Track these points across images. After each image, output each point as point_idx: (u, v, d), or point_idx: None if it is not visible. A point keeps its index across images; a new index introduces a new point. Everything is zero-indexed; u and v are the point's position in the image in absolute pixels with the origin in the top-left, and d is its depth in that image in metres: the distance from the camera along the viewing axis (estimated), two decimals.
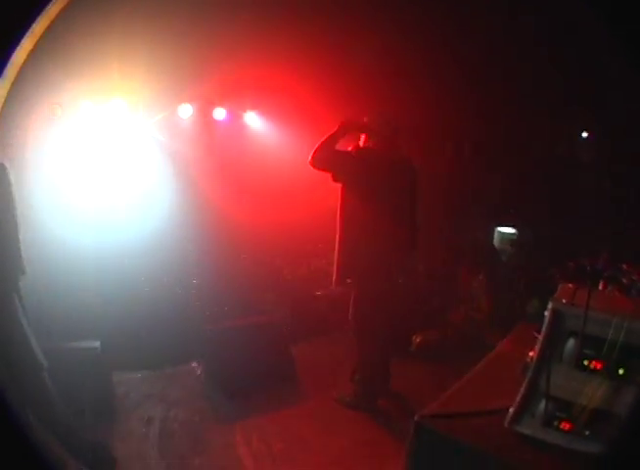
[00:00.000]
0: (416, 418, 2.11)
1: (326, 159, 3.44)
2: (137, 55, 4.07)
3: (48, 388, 2.14)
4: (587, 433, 1.80)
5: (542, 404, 1.90)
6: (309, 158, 3.45)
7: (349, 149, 3.59)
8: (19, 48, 1.39)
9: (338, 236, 3.60)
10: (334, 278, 3.65)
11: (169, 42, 4.16)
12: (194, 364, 4.22)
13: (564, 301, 1.95)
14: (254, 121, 5.80)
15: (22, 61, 1.57)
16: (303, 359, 4.33)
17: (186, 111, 5.16)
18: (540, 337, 1.94)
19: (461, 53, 4.79)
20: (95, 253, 4.06)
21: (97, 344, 3.44)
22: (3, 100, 1.63)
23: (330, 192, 4.03)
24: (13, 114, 3.38)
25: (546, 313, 1.94)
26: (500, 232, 6.05)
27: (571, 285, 2.07)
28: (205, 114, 5.40)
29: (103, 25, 3.80)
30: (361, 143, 3.62)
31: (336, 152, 3.48)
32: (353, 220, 3.52)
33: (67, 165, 4.16)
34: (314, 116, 5.18)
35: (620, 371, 1.78)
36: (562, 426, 1.85)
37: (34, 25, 1.42)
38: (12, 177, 2.05)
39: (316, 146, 3.44)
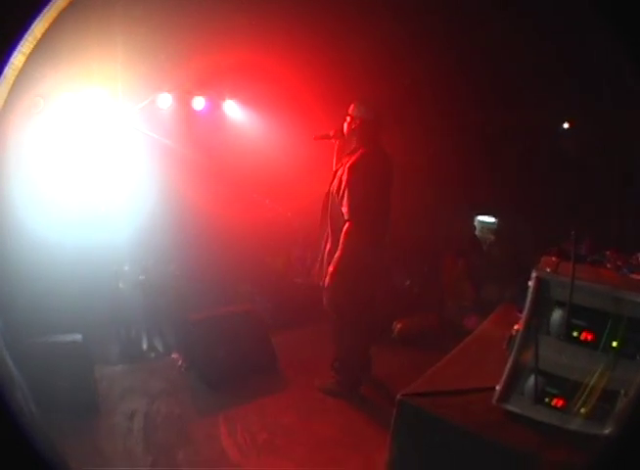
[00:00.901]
0: (399, 396, 2.09)
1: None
2: (115, 41, 3.98)
3: None
4: (582, 411, 1.70)
5: (531, 380, 1.81)
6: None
7: (330, 137, 3.64)
8: (17, 49, 1.36)
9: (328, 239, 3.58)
10: (320, 278, 3.62)
11: (148, 27, 4.08)
12: (174, 356, 4.19)
13: (548, 270, 1.85)
14: (234, 111, 5.74)
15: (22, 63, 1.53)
16: (285, 348, 4.34)
17: (165, 100, 5.07)
18: (525, 309, 1.84)
19: (454, 41, 4.76)
20: (76, 244, 3.98)
21: (79, 337, 3.39)
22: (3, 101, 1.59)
23: (310, 185, 4.07)
24: None
25: (530, 283, 1.84)
26: (480, 221, 6.15)
27: (554, 258, 1.99)
28: (183, 103, 5.32)
29: (82, 12, 3.69)
30: (345, 128, 3.59)
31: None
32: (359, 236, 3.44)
33: (49, 160, 4.04)
34: (297, 102, 5.16)
35: (614, 343, 1.67)
36: (554, 403, 1.76)
37: (34, 27, 1.39)
38: None
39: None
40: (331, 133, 3.72)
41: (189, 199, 5.13)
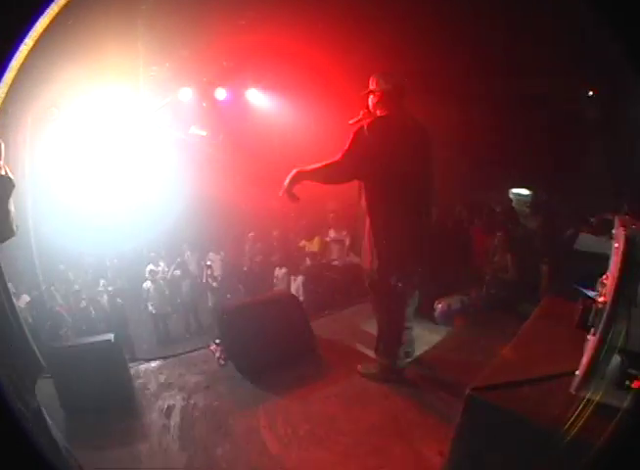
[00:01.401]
0: (468, 391, 1.91)
1: (340, 172, 3.23)
2: (136, 37, 3.91)
3: None
4: None
5: (615, 362, 1.55)
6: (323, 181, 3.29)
7: (361, 119, 3.37)
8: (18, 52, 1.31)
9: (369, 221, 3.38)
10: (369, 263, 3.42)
11: (168, 21, 3.99)
12: (212, 347, 4.10)
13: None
14: (258, 98, 5.60)
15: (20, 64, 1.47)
16: (325, 333, 4.19)
17: (186, 94, 5.00)
18: (613, 274, 1.55)
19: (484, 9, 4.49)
20: (110, 245, 3.96)
21: (110, 337, 3.37)
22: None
23: None
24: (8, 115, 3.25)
25: (615, 245, 1.56)
26: (515, 193, 5.84)
27: (627, 216, 1.70)
28: (206, 95, 5.23)
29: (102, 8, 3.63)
30: (370, 105, 3.40)
31: (347, 158, 3.21)
32: (384, 204, 3.29)
33: (72, 164, 4.04)
34: (324, 84, 4.97)
35: None
36: (634, 385, 1.51)
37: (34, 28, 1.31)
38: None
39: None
40: (361, 114, 3.51)
41: (219, 191, 5.06)
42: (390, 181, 3.23)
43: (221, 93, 5.34)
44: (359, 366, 3.68)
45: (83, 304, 4.81)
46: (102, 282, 5.24)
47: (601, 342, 1.57)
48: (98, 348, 3.26)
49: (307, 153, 5.08)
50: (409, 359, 3.61)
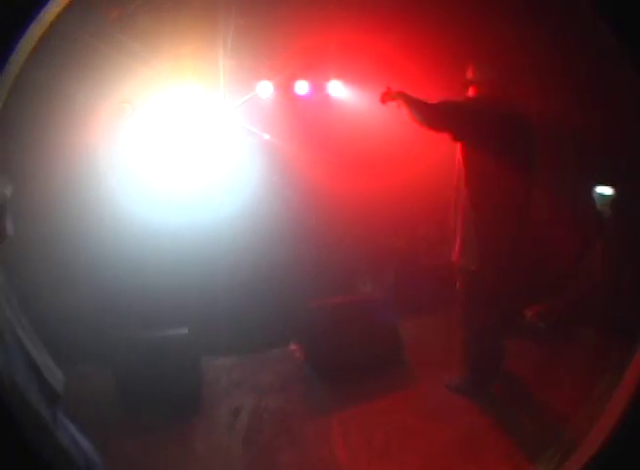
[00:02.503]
0: None
1: (443, 114, 3.01)
2: (217, 33, 3.92)
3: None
4: None
5: None
6: (421, 118, 3.03)
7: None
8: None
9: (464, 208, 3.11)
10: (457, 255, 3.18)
11: (249, 17, 3.97)
12: (292, 347, 3.98)
13: None
14: (341, 92, 5.39)
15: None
16: (411, 339, 3.93)
17: (265, 89, 4.92)
18: None
19: None
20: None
21: (185, 330, 3.34)
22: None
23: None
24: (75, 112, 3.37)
25: None
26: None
27: None
28: (286, 90, 5.14)
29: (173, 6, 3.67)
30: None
31: (451, 104, 3.02)
32: (485, 186, 3.01)
33: (146, 164, 4.03)
34: (408, 81, 4.65)
35: None
36: None
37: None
38: None
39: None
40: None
41: (300, 186, 4.93)
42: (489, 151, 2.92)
43: (302, 86, 5.13)
44: (445, 377, 3.40)
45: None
46: None
47: None
48: (171, 341, 3.25)
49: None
50: (498, 372, 3.28)
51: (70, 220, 3.39)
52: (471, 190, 3.05)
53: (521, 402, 3.05)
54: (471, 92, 3.10)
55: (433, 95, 3.68)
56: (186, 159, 4.17)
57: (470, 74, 3.09)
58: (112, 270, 3.41)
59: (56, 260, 3.31)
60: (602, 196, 4.97)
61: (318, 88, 5.20)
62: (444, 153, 3.40)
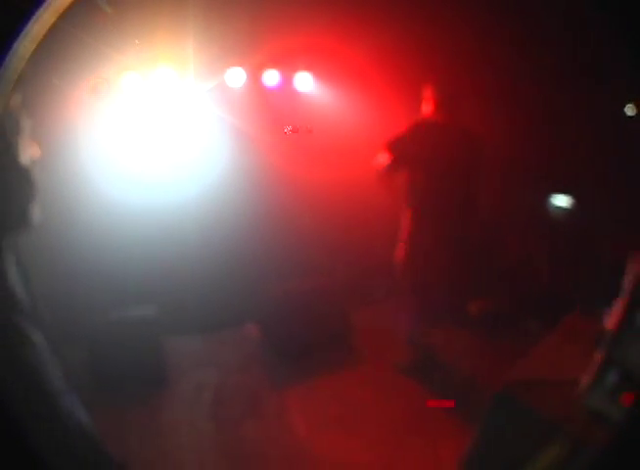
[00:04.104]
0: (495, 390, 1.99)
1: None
2: (187, 19, 3.94)
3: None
4: None
5: (614, 378, 1.67)
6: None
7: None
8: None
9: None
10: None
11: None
12: (249, 326, 4.12)
13: None
14: (308, 84, 5.47)
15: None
16: (363, 323, 4.14)
17: (237, 75, 4.92)
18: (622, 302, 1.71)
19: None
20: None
21: (152, 310, 3.45)
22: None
23: None
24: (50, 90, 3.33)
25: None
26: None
27: None
28: (255, 79, 5.19)
29: None
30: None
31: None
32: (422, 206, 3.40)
33: (118, 142, 4.04)
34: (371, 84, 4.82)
35: None
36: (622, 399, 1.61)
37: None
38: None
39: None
40: None
41: (266, 172, 5.03)
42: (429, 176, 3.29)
43: (272, 76, 5.18)
44: (394, 359, 3.66)
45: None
46: None
47: (603, 358, 1.72)
48: (136, 322, 3.35)
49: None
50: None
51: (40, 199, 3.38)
52: (413, 192, 3.41)
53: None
54: (424, 107, 3.39)
55: (392, 99, 3.94)
56: (155, 140, 4.22)
57: (427, 91, 3.38)
58: (79, 250, 3.43)
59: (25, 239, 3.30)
60: (555, 204, 5.34)
61: (287, 80, 5.30)
62: None
